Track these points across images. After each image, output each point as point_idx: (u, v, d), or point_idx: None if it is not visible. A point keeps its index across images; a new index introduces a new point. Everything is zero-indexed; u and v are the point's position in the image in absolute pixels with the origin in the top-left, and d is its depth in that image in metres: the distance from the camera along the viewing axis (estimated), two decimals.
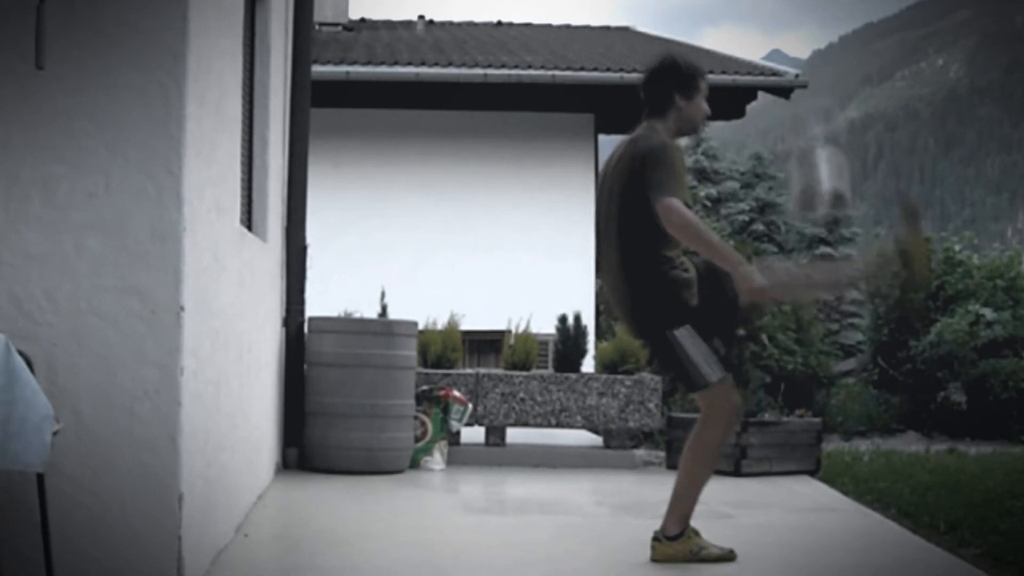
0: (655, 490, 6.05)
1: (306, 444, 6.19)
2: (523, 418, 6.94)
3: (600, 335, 10.79)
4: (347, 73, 10.99)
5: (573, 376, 7.06)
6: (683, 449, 4.02)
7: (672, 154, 3.80)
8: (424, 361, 6.97)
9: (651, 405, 7.06)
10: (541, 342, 7.99)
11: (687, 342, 3.76)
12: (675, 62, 4.14)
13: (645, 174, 3.74)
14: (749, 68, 11.96)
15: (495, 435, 6.96)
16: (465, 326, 7.51)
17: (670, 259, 3.82)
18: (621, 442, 7.09)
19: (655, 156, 3.77)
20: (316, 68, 7.09)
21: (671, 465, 7.08)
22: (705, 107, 4.12)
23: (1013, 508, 5.71)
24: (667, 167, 3.74)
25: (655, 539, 3.93)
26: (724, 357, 3.84)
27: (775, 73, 12.03)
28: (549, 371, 7.34)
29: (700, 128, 4.20)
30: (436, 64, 11.41)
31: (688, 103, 4.05)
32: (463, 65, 11.46)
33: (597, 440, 7.41)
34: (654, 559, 3.90)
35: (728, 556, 3.93)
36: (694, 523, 4.15)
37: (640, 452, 7.95)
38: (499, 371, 7.17)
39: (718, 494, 5.84)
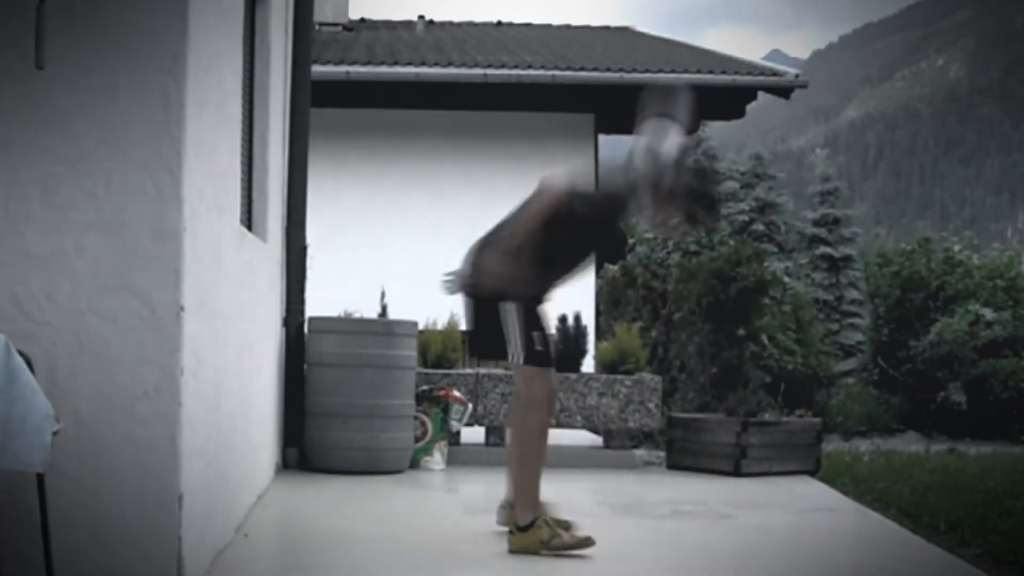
0: (655, 490, 6.05)
1: (306, 444, 6.19)
2: None
3: (600, 335, 10.78)
4: (347, 73, 10.99)
5: (573, 376, 7.06)
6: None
7: (613, 191, 4.00)
8: (424, 361, 6.97)
9: (651, 405, 7.06)
10: None
11: (513, 318, 4.00)
12: (701, 168, 4.28)
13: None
14: (749, 68, 11.96)
15: (495, 435, 6.96)
16: (465, 326, 7.50)
17: (540, 253, 3.99)
18: (621, 442, 7.09)
19: (609, 188, 4.04)
20: (316, 68, 7.09)
21: (671, 465, 7.08)
22: (679, 217, 4.09)
23: (1013, 508, 5.71)
24: (600, 191, 4.01)
25: (509, 531, 4.03)
26: (544, 351, 4.03)
27: (775, 73, 12.03)
28: None
29: (662, 232, 4.31)
30: (436, 64, 11.41)
31: (665, 198, 4.01)
32: (463, 65, 11.46)
33: (597, 440, 7.41)
34: (510, 551, 3.97)
35: (584, 543, 3.95)
36: (695, 523, 4.15)
37: (640, 452, 7.95)
38: (499, 371, 7.17)
39: (718, 494, 5.85)
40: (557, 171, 4.01)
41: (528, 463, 4.06)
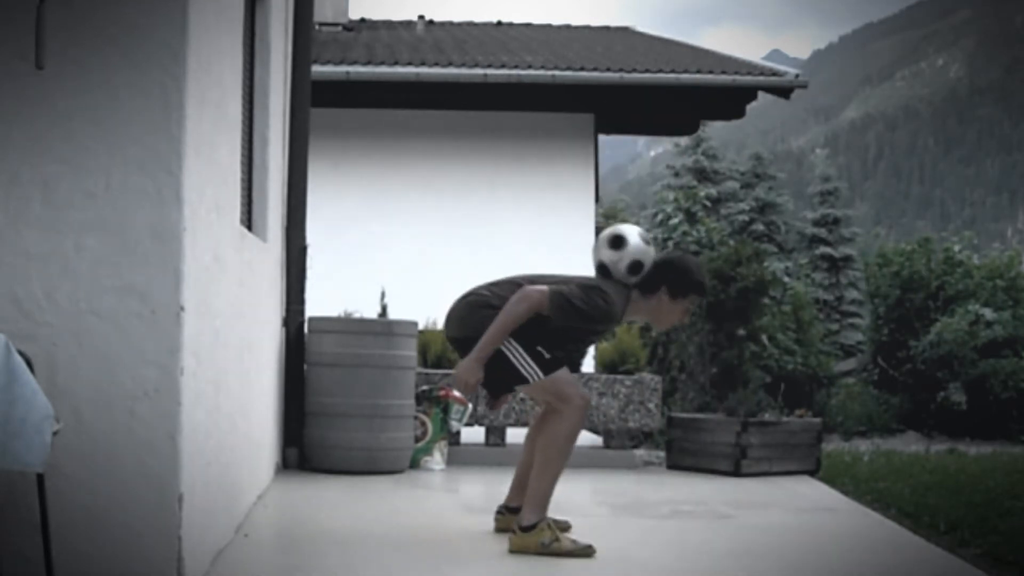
0: (655, 490, 6.05)
1: (306, 444, 6.19)
2: (523, 418, 6.93)
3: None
4: (347, 73, 10.99)
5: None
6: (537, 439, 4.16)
7: (589, 307, 3.99)
8: (424, 361, 6.97)
9: (651, 405, 7.06)
10: None
11: (510, 347, 4.01)
12: (683, 260, 4.30)
13: (573, 284, 4.07)
14: (749, 68, 11.96)
15: (495, 435, 6.96)
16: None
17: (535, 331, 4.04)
18: (621, 442, 7.09)
19: (590, 291, 4.03)
20: (316, 68, 7.09)
21: (671, 465, 7.08)
22: (680, 316, 4.27)
23: (1013, 508, 5.71)
24: (582, 297, 3.98)
25: (511, 530, 4.04)
26: (556, 357, 4.05)
27: (775, 73, 12.03)
28: None
29: (663, 329, 4.51)
30: (436, 64, 11.41)
31: (669, 301, 4.19)
32: (463, 65, 11.45)
33: (597, 440, 7.41)
34: (510, 550, 3.98)
35: (584, 552, 3.94)
36: (695, 523, 4.15)
37: (640, 452, 7.95)
38: None
39: (718, 494, 5.85)
40: (538, 288, 4.02)
41: (552, 467, 4.05)
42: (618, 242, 4.18)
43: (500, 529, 4.33)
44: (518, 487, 4.36)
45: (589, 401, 4.15)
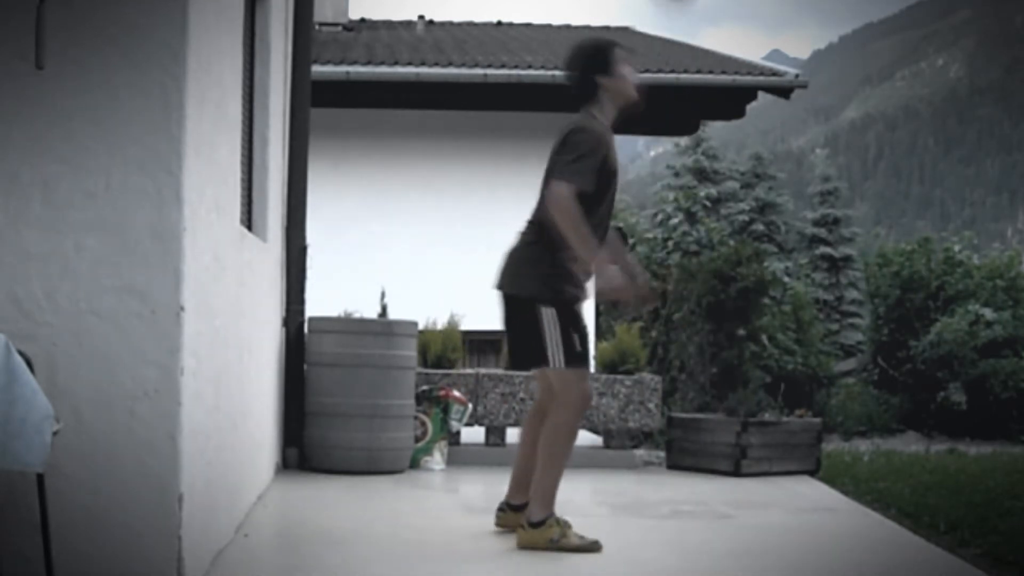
0: (655, 490, 6.05)
1: (306, 444, 6.19)
2: (523, 418, 6.92)
3: (600, 335, 10.79)
4: (347, 73, 10.98)
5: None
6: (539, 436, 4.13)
7: (582, 137, 3.96)
8: (424, 361, 6.97)
9: (651, 405, 7.06)
10: None
11: (551, 322, 3.95)
12: (581, 47, 4.26)
13: (556, 155, 3.99)
14: (749, 68, 11.96)
15: (495, 435, 6.96)
16: (465, 326, 7.50)
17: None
18: (621, 442, 7.09)
19: (564, 138, 4.00)
20: (316, 68, 7.09)
21: (671, 465, 7.08)
22: (631, 75, 4.18)
23: (1013, 508, 5.71)
24: (572, 151, 3.93)
25: (520, 526, 4.03)
26: (583, 352, 4.01)
27: (775, 73, 12.03)
28: None
29: (635, 96, 4.24)
30: (436, 64, 11.40)
31: (611, 79, 4.14)
32: (463, 65, 11.45)
33: (597, 440, 7.40)
34: (518, 546, 3.98)
35: (592, 547, 3.94)
36: (695, 523, 4.15)
37: (640, 452, 7.95)
38: (499, 371, 7.17)
39: (718, 494, 5.85)
40: (554, 187, 3.93)
41: (554, 463, 4.04)
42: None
43: (501, 526, 4.33)
44: (517, 484, 4.36)
45: (590, 400, 4.14)
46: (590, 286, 4.12)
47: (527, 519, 4.01)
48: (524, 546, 3.97)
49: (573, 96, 4.17)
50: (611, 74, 4.12)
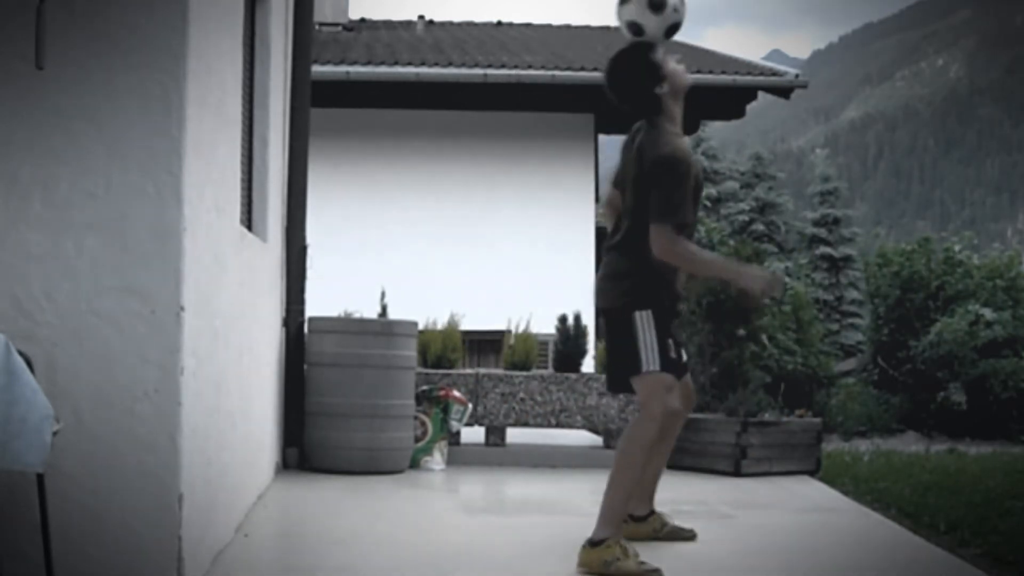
0: None
1: (306, 444, 6.19)
2: (523, 418, 6.93)
3: (600, 335, 10.78)
4: (347, 73, 11.00)
5: (573, 376, 7.06)
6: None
7: (675, 169, 3.76)
8: (424, 361, 6.97)
9: None
10: (541, 342, 7.99)
11: (646, 326, 3.79)
12: (623, 67, 3.94)
13: (648, 189, 3.75)
14: (749, 68, 11.97)
15: (495, 435, 6.96)
16: (465, 326, 7.51)
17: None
18: None
19: (657, 172, 3.76)
20: (316, 68, 7.09)
21: (671, 465, 7.05)
22: (679, 68, 3.97)
23: (1013, 508, 5.71)
24: (666, 187, 3.72)
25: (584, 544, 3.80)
26: (677, 359, 3.85)
27: (775, 73, 12.04)
28: (549, 371, 7.34)
29: (689, 81, 4.04)
30: (436, 64, 11.42)
31: (667, 81, 3.90)
32: (463, 65, 11.47)
33: (597, 440, 7.41)
34: (578, 564, 3.73)
35: (651, 574, 3.70)
36: (695, 523, 4.14)
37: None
38: (499, 371, 7.17)
39: (718, 494, 5.85)
40: (655, 237, 3.71)
41: (625, 477, 3.84)
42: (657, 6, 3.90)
43: (625, 537, 3.99)
44: (639, 493, 4.20)
45: (673, 414, 3.94)
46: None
47: (590, 537, 3.75)
48: (582, 565, 3.69)
49: (637, 113, 3.96)
50: (664, 78, 3.89)
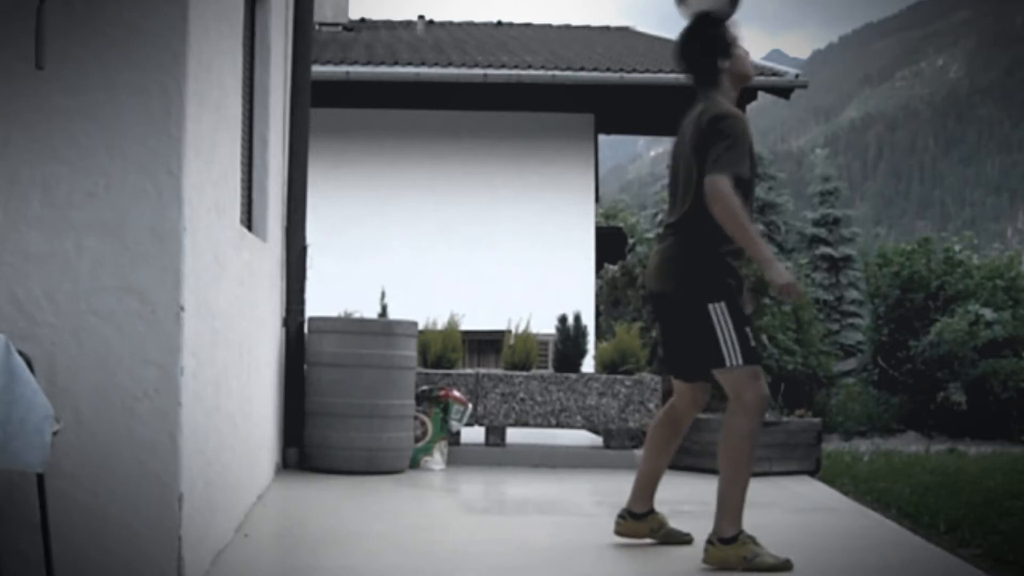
0: None
1: (306, 444, 6.19)
2: (523, 418, 6.93)
3: (600, 335, 10.79)
4: (347, 73, 11.00)
5: (573, 376, 7.06)
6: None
7: (730, 124, 3.77)
8: (424, 361, 6.97)
9: (651, 405, 7.05)
10: (541, 342, 8.00)
11: (723, 319, 3.75)
12: (697, 30, 3.99)
13: (707, 146, 3.74)
14: None
15: (495, 435, 6.96)
16: (465, 326, 7.51)
17: (731, 244, 3.82)
18: (621, 442, 7.09)
19: (711, 127, 3.76)
20: (316, 68, 7.09)
21: (671, 465, 7.05)
22: (746, 55, 4.04)
23: (1013, 508, 5.71)
24: (723, 139, 3.72)
25: (708, 541, 3.80)
26: (754, 348, 3.81)
27: (775, 73, 12.04)
28: (549, 371, 7.34)
29: (752, 73, 4.16)
30: (436, 64, 11.42)
31: (732, 60, 3.96)
32: (463, 65, 11.47)
33: (597, 440, 7.40)
34: (706, 561, 3.76)
35: (785, 565, 3.73)
36: (695, 523, 4.14)
37: (640, 452, 7.94)
38: (499, 371, 7.17)
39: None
40: (712, 181, 3.68)
41: (740, 473, 3.82)
42: None
43: (621, 534, 4.15)
44: (641, 491, 4.19)
45: (767, 400, 3.88)
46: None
47: (717, 535, 3.75)
48: (715, 564, 3.72)
49: (693, 81, 3.97)
50: (731, 55, 3.95)
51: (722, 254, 3.84)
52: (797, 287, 3.81)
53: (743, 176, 3.75)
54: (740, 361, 3.75)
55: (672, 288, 3.89)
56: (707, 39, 3.96)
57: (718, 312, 3.75)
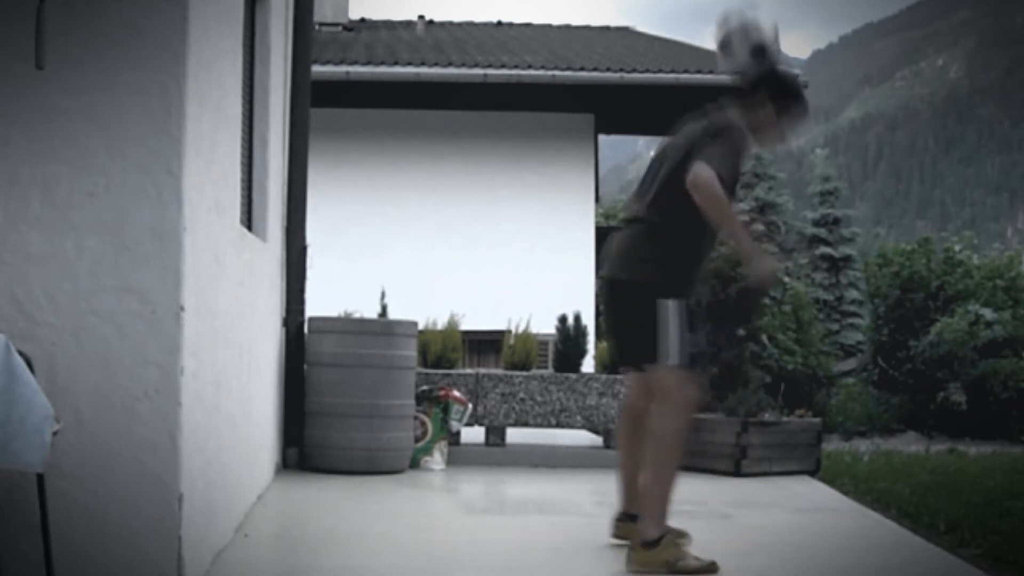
0: None
1: (306, 444, 6.19)
2: (523, 418, 6.93)
3: (600, 335, 10.78)
4: (347, 73, 11.00)
5: (573, 376, 7.06)
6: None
7: (734, 135, 3.79)
8: (424, 361, 6.97)
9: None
10: (541, 342, 7.99)
11: (671, 316, 3.75)
12: (779, 72, 4.01)
13: (702, 145, 3.75)
14: None
15: (495, 435, 6.96)
16: (465, 326, 7.51)
17: (698, 250, 3.84)
18: None
19: (716, 132, 3.78)
20: (316, 68, 7.09)
21: None
22: (788, 128, 4.04)
23: (1013, 508, 5.71)
24: (722, 145, 3.73)
25: (630, 547, 3.77)
26: (701, 354, 3.82)
27: None
28: (549, 371, 7.35)
29: (766, 144, 4.16)
30: (436, 64, 11.42)
31: (774, 113, 3.95)
32: (463, 65, 11.47)
33: (597, 440, 7.41)
34: (632, 567, 3.70)
35: (710, 568, 3.69)
36: (695, 523, 4.14)
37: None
38: (499, 371, 7.17)
39: (718, 494, 5.85)
40: (697, 169, 3.65)
41: (665, 472, 3.76)
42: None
43: (620, 537, 4.09)
44: (628, 491, 4.16)
45: (695, 403, 3.85)
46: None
47: (641, 538, 3.70)
48: (639, 568, 3.66)
49: (735, 90, 3.96)
50: (778, 110, 3.94)
51: (687, 260, 3.86)
52: (773, 280, 3.80)
53: (724, 178, 3.70)
54: (676, 361, 3.75)
55: (629, 275, 3.89)
56: (783, 78, 3.98)
57: (669, 309, 3.75)
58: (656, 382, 3.84)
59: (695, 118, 4.00)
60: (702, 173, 3.63)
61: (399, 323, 6.34)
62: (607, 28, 16.45)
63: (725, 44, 4.01)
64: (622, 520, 4.20)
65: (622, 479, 4.23)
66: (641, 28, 16.55)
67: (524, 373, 7.06)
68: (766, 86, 3.94)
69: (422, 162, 11.61)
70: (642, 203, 3.97)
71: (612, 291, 4.01)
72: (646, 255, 3.86)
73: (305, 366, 6.29)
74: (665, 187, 3.88)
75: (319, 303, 6.65)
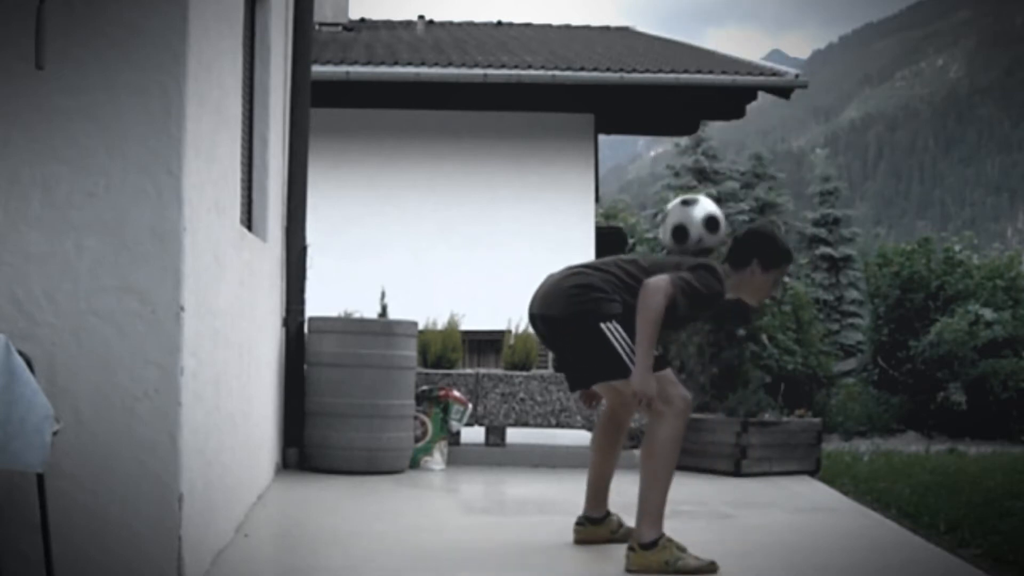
0: None
1: (306, 444, 6.19)
2: (523, 418, 6.93)
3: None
4: (347, 73, 10.99)
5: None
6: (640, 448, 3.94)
7: (712, 280, 3.85)
8: (424, 361, 6.97)
9: None
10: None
11: (616, 334, 3.79)
12: (775, 238, 4.12)
13: (681, 264, 3.89)
14: (749, 68, 11.97)
15: (495, 435, 6.96)
16: (465, 326, 7.51)
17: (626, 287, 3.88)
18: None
19: (694, 268, 3.88)
20: (316, 68, 7.09)
21: None
22: (771, 287, 4.14)
23: (1013, 508, 5.71)
24: (697, 280, 3.80)
25: (629, 547, 3.78)
26: (660, 356, 3.84)
27: (775, 73, 12.04)
28: (549, 371, 7.35)
29: (757, 305, 4.25)
30: (436, 64, 11.41)
31: (759, 276, 4.02)
32: (463, 65, 11.46)
33: None
34: (628, 569, 3.72)
35: (709, 568, 3.73)
36: (695, 523, 4.14)
37: (637, 452, 7.94)
38: (499, 371, 7.17)
39: (718, 494, 5.85)
40: (662, 278, 3.75)
41: (661, 477, 3.78)
42: (690, 203, 4.31)
43: (581, 540, 4.15)
44: (595, 495, 4.20)
45: (691, 402, 3.90)
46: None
47: (638, 540, 3.73)
48: (636, 570, 3.69)
49: (726, 256, 4.08)
50: (765, 271, 4.01)
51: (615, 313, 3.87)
52: (649, 397, 3.77)
53: (678, 306, 3.76)
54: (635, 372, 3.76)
55: (558, 312, 3.94)
56: (768, 241, 4.06)
57: (610, 329, 3.80)
58: (640, 395, 3.83)
59: (684, 256, 4.13)
60: (660, 287, 3.72)
61: (399, 323, 6.34)
62: (607, 28, 16.45)
63: (679, 229, 4.25)
64: (583, 524, 4.23)
65: (592, 482, 4.25)
66: (641, 28, 16.54)
67: (524, 373, 7.06)
68: (751, 248, 4.03)
69: (422, 162, 11.60)
70: (588, 266, 4.09)
71: (546, 326, 4.04)
72: (577, 292, 3.92)
73: (305, 366, 6.29)
74: (625, 275, 3.93)
75: (319, 303, 6.65)
